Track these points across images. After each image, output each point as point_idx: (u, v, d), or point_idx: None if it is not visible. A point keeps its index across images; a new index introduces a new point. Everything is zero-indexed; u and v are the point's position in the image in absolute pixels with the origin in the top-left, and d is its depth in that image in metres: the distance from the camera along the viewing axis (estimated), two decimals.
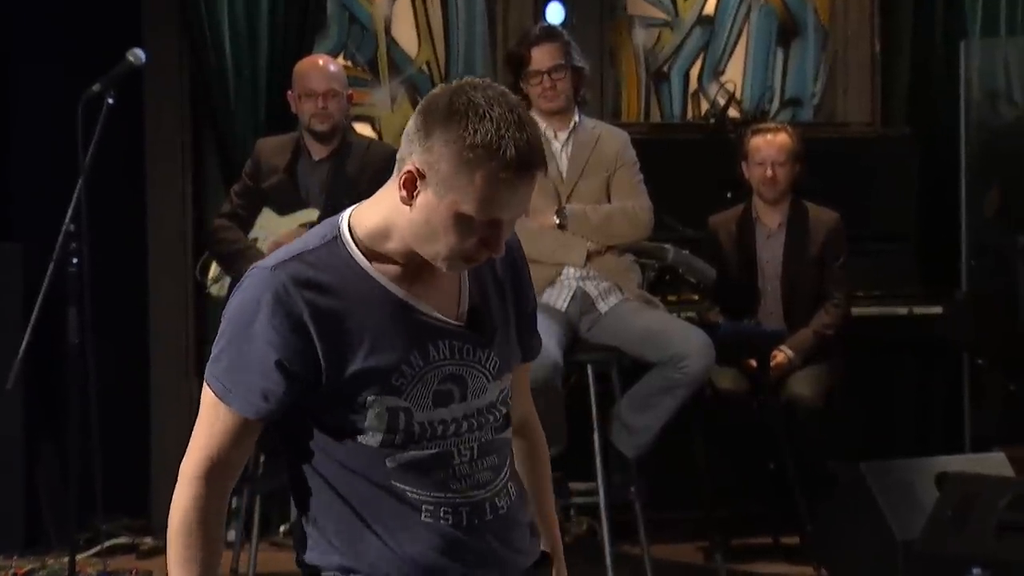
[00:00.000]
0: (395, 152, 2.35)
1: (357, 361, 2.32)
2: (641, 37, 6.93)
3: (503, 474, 2.45)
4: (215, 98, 6.25)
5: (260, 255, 4.93)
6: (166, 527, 2.38)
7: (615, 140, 5.32)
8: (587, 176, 5.24)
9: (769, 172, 5.73)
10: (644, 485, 5.11)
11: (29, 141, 6.15)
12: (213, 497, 2.36)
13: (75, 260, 4.99)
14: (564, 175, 5.24)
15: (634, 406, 5.08)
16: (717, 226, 5.90)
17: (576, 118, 5.29)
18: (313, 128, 5.38)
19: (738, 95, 6.79)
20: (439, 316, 2.38)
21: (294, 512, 2.46)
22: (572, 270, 5.17)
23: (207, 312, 6.19)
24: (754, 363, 5.64)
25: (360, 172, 5.17)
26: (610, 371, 5.09)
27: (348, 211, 2.41)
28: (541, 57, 5.20)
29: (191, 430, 2.39)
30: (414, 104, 6.01)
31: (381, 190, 2.39)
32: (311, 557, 2.43)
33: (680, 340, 5.03)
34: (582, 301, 5.16)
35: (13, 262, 5.87)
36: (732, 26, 6.93)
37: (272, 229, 5.32)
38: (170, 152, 6.40)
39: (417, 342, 2.35)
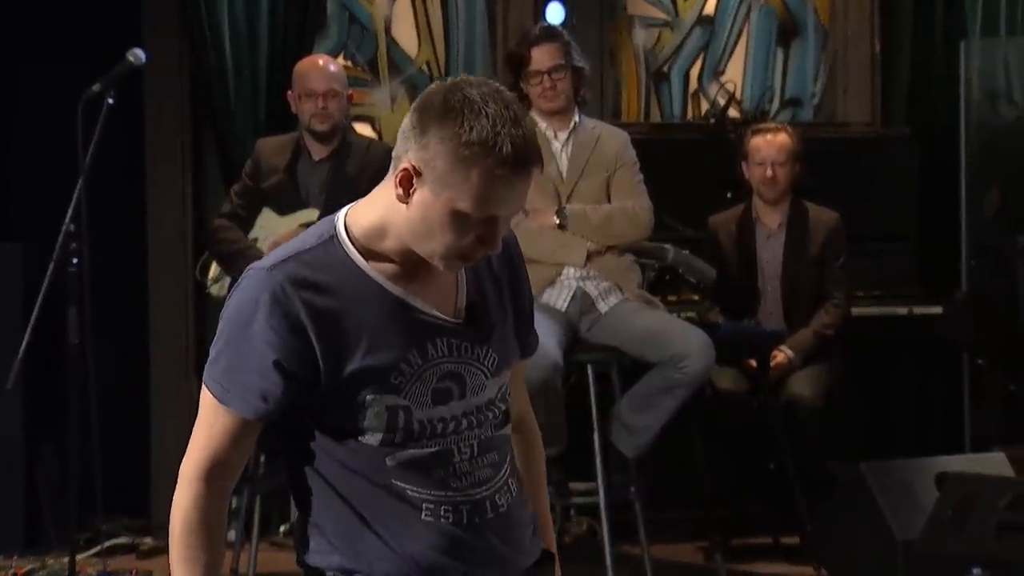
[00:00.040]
0: None
1: (355, 360, 2.32)
2: (641, 37, 6.93)
3: (503, 471, 2.45)
4: (215, 98, 6.25)
5: (260, 255, 4.92)
6: (166, 527, 2.38)
7: (615, 140, 5.32)
8: (587, 176, 5.24)
9: (769, 172, 5.73)
10: (644, 485, 5.11)
11: (29, 141, 6.15)
12: (214, 497, 2.36)
13: (75, 260, 4.99)
14: (564, 175, 5.24)
15: (634, 406, 5.08)
16: (717, 226, 5.90)
17: (576, 118, 5.29)
18: (313, 128, 5.38)
19: (738, 95, 6.79)
20: (437, 314, 2.38)
21: (294, 512, 2.46)
22: (572, 270, 5.17)
23: (207, 312, 6.19)
24: (754, 363, 5.64)
25: (360, 172, 5.17)
26: (610, 371, 5.09)
27: (344, 210, 2.41)
28: (541, 57, 5.20)
29: (191, 430, 2.39)
30: None
31: (377, 188, 2.39)
32: (312, 558, 2.43)
33: (680, 340, 5.03)
34: (582, 301, 5.16)
35: (13, 262, 5.87)
36: (732, 26, 6.93)
37: (272, 229, 5.32)
38: (170, 152, 6.40)
39: (415, 340, 2.35)
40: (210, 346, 2.38)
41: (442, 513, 2.38)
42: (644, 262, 5.37)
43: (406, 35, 6.82)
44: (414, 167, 2.28)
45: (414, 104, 2.31)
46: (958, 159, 6.27)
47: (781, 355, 5.63)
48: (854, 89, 6.82)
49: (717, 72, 6.93)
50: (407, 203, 2.30)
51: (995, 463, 5.03)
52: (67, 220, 4.97)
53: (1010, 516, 4.47)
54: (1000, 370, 6.13)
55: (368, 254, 2.36)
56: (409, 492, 2.37)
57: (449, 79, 2.32)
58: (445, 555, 2.38)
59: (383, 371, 2.33)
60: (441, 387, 2.37)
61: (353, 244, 2.36)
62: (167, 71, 6.30)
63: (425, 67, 6.80)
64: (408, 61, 6.82)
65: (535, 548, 2.53)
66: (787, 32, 6.97)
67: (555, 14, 6.34)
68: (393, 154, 2.33)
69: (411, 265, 2.36)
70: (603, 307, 5.16)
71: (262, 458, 5.21)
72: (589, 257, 5.17)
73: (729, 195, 6.02)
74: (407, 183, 2.29)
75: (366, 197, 2.40)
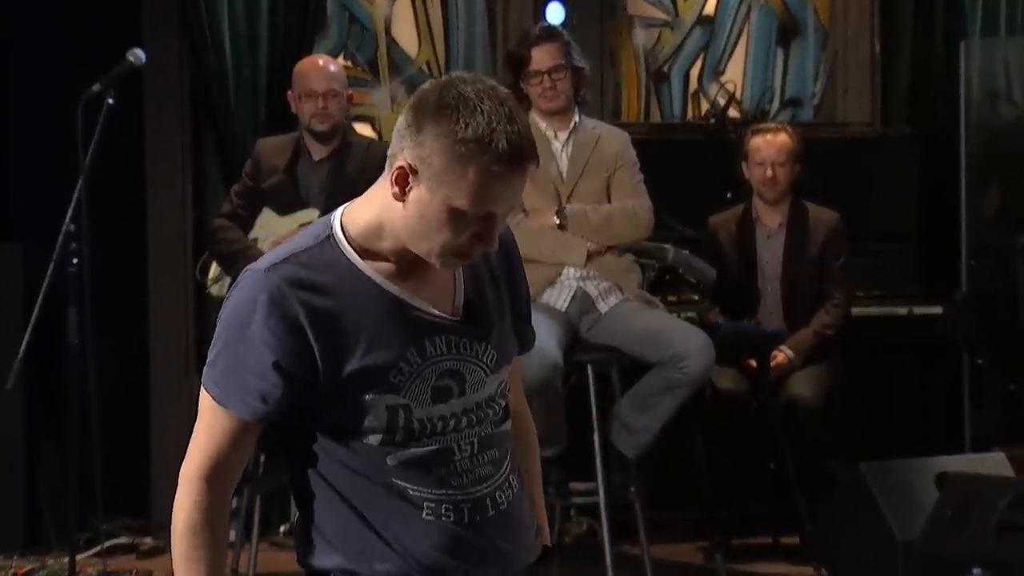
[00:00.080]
0: None
1: (354, 360, 2.32)
2: (641, 37, 6.93)
3: (504, 468, 2.45)
4: (215, 98, 6.25)
5: (260, 255, 4.90)
6: (166, 527, 2.38)
7: (615, 140, 5.32)
8: (587, 176, 5.24)
9: (769, 172, 5.73)
10: (644, 485, 5.11)
11: (29, 141, 6.15)
12: (215, 498, 2.36)
13: (75, 260, 4.99)
14: (564, 175, 5.24)
15: (634, 406, 5.08)
16: (717, 226, 5.91)
17: (576, 118, 5.29)
18: (313, 128, 5.38)
19: (738, 95, 6.79)
20: (435, 312, 2.38)
21: (294, 512, 2.46)
22: (572, 270, 5.17)
23: (207, 312, 6.19)
24: (754, 363, 5.64)
25: (360, 172, 5.16)
26: (610, 371, 5.09)
27: (340, 210, 2.41)
28: (541, 57, 5.20)
29: (191, 430, 2.39)
30: None
31: (372, 187, 2.38)
32: (313, 559, 2.43)
33: (680, 340, 5.03)
34: (582, 301, 5.16)
35: (13, 262, 5.87)
36: (732, 26, 6.94)
37: (272, 229, 5.32)
38: (170, 152, 6.40)
39: (414, 339, 2.35)
40: (208, 347, 2.38)
41: (443, 512, 2.38)
42: (644, 262, 5.37)
43: (406, 35, 6.82)
44: (410, 165, 2.28)
45: (409, 102, 2.31)
46: (958, 159, 6.27)
47: (781, 355, 5.63)
48: (854, 89, 6.82)
49: (717, 72, 6.94)
50: (403, 201, 2.30)
51: (995, 463, 5.03)
52: (67, 220, 4.97)
53: (1010, 516, 4.47)
54: (1000, 370, 6.13)
55: (365, 253, 2.36)
56: (410, 491, 2.37)
57: (444, 77, 2.32)
58: (446, 554, 2.38)
59: (382, 370, 2.33)
60: (441, 385, 2.37)
61: (350, 243, 2.36)
62: (167, 71, 6.30)
63: (425, 67, 6.80)
64: (408, 61, 6.82)
65: (537, 545, 2.53)
66: (787, 32, 6.97)
67: (555, 14, 6.34)
68: (388, 152, 2.32)
69: (408, 263, 2.36)
70: (603, 307, 5.16)
71: (262, 458, 5.21)
72: (589, 257, 5.17)
73: (729, 195, 6.02)
74: (403, 181, 2.29)
75: (362, 196, 2.40)
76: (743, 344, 5.63)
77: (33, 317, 4.95)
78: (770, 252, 5.82)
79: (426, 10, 6.81)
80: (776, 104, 6.93)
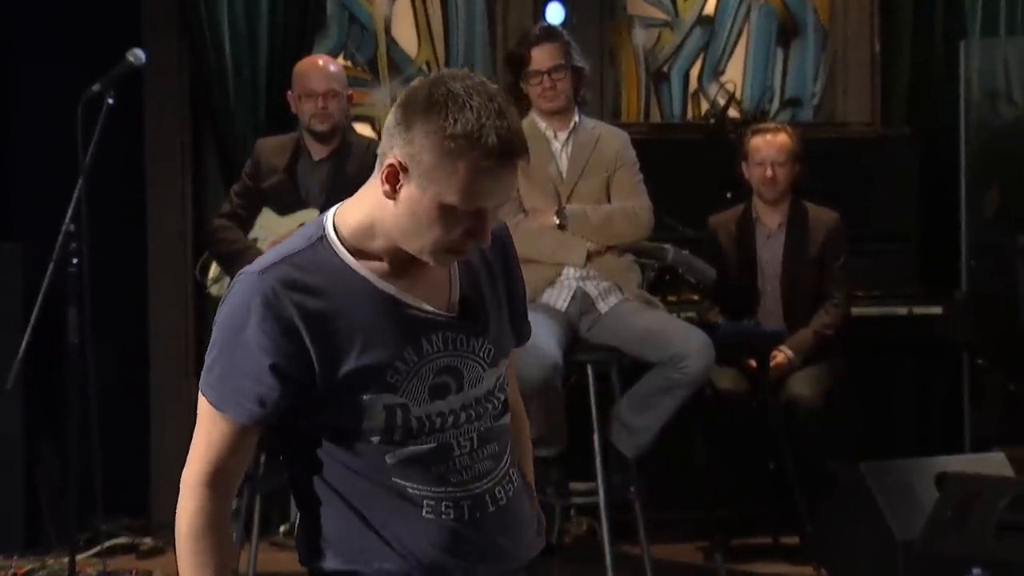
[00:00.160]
0: None
1: (350, 361, 2.32)
2: (641, 37, 6.93)
3: (504, 462, 2.45)
4: (215, 98, 6.25)
5: (260, 255, 4.92)
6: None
7: (615, 140, 5.32)
8: (587, 176, 5.24)
9: (769, 172, 5.73)
10: (644, 485, 5.11)
11: (29, 141, 6.15)
12: (217, 504, 2.36)
13: (75, 260, 4.99)
14: (564, 175, 5.24)
15: (634, 406, 5.08)
16: (717, 226, 5.91)
17: (576, 118, 5.29)
18: (313, 128, 5.39)
19: (738, 95, 6.79)
20: (430, 309, 2.38)
21: (294, 512, 2.47)
22: (572, 270, 5.17)
23: (207, 312, 6.19)
24: (754, 363, 5.64)
25: (360, 172, 5.16)
26: (610, 371, 5.09)
27: (332, 210, 2.41)
28: (541, 57, 5.20)
29: (191, 430, 2.39)
30: None
31: (363, 187, 2.38)
32: (314, 559, 2.43)
33: (680, 340, 5.03)
34: (582, 301, 5.16)
35: (13, 262, 5.87)
36: (732, 26, 6.93)
37: (272, 229, 5.32)
38: (170, 152, 6.40)
39: (410, 337, 2.35)
40: (207, 348, 2.38)
41: (443, 510, 2.38)
42: (644, 262, 5.37)
43: (406, 35, 6.82)
44: (400, 163, 2.28)
45: (398, 100, 2.31)
46: (958, 159, 6.27)
47: (781, 355, 5.63)
48: (854, 89, 6.82)
49: (717, 72, 6.94)
50: (394, 199, 2.30)
51: (995, 463, 5.03)
52: (67, 220, 4.97)
53: (1010, 516, 4.47)
54: (1000, 370, 6.13)
55: (358, 253, 2.36)
56: (410, 490, 2.37)
57: (432, 74, 2.32)
58: (446, 552, 2.38)
59: (379, 370, 2.33)
60: (438, 382, 2.37)
61: (342, 244, 2.36)
62: (167, 71, 6.30)
63: (425, 67, 6.80)
64: (408, 61, 6.82)
65: (538, 542, 2.53)
66: (787, 32, 6.97)
67: (555, 14, 6.34)
68: (378, 151, 2.33)
69: (402, 262, 2.36)
70: (603, 307, 5.16)
71: (262, 458, 5.20)
72: (589, 257, 5.17)
73: (729, 195, 6.02)
74: (393, 179, 2.29)
75: (353, 196, 2.40)
76: (743, 344, 5.63)
77: (33, 317, 4.95)
78: (770, 252, 5.82)
79: (426, 10, 6.81)
80: (776, 104, 6.93)
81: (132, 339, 6.28)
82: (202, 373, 2.37)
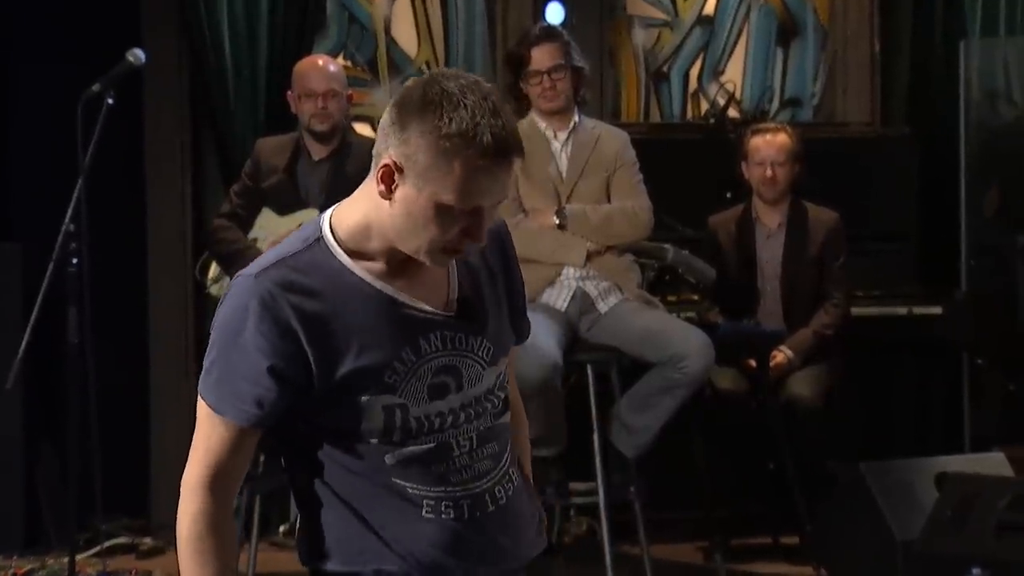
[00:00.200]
0: None
1: (348, 362, 2.31)
2: (641, 37, 6.93)
3: (503, 461, 2.45)
4: (215, 98, 6.26)
5: (260, 255, 4.92)
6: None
7: (615, 140, 5.32)
8: (587, 176, 5.24)
9: (769, 172, 5.73)
10: (644, 485, 5.11)
11: (29, 141, 6.15)
12: (218, 506, 2.35)
13: (75, 260, 4.99)
14: (564, 175, 5.24)
15: (634, 406, 5.08)
16: (717, 226, 5.91)
17: (576, 118, 5.29)
18: (313, 128, 5.39)
19: (738, 95, 6.79)
20: (428, 308, 2.37)
21: (294, 512, 2.47)
22: (572, 270, 5.17)
23: (207, 312, 6.18)
24: (754, 363, 5.64)
25: (360, 172, 5.09)
26: (609, 371, 5.09)
27: (329, 212, 2.41)
28: (541, 57, 5.20)
29: (191, 430, 2.39)
30: None
31: (359, 188, 2.39)
32: (314, 561, 2.43)
33: (680, 340, 5.03)
34: (582, 301, 5.16)
35: (13, 262, 5.87)
36: (732, 26, 6.93)
37: (272, 229, 5.32)
38: (170, 152, 6.40)
39: (408, 337, 2.35)
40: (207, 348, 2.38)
41: (443, 510, 2.38)
42: (644, 262, 5.37)
43: (406, 35, 6.83)
44: (395, 163, 2.28)
45: (392, 100, 2.31)
46: (958, 159, 6.27)
47: (781, 355, 5.63)
48: (853, 89, 6.82)
49: (717, 72, 6.94)
50: (390, 200, 2.30)
51: (994, 463, 5.03)
52: (67, 220, 4.97)
53: (1010, 516, 4.47)
54: (1000, 370, 6.13)
55: (355, 254, 2.35)
56: (409, 490, 2.37)
57: (426, 74, 2.32)
58: (446, 553, 2.38)
59: (377, 371, 2.32)
60: (437, 382, 2.36)
61: (339, 245, 2.36)
62: (167, 71, 6.31)
63: (425, 67, 6.79)
64: (408, 61, 6.82)
65: (539, 541, 2.52)
66: (787, 32, 6.97)
67: (555, 14, 6.34)
68: (373, 152, 2.33)
69: (399, 262, 2.36)
70: (603, 307, 5.16)
71: (262, 458, 5.20)
72: (589, 257, 5.17)
73: (729, 195, 6.02)
74: (389, 179, 2.29)
75: (349, 197, 2.40)
76: (743, 344, 5.63)
77: (33, 317, 4.95)
78: (770, 252, 5.82)
79: (426, 10, 6.81)
80: (776, 104, 6.93)
81: (132, 339, 6.28)
82: (201, 376, 2.37)
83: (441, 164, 2.24)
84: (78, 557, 5.20)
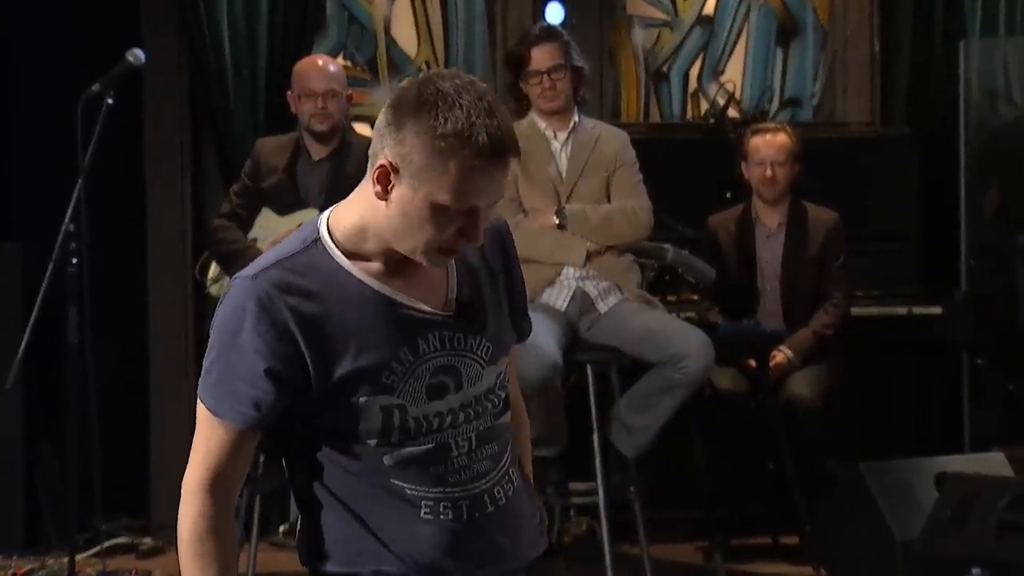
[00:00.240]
0: None
1: (345, 363, 2.31)
2: (640, 37, 6.93)
3: (503, 461, 2.44)
4: (214, 98, 6.26)
5: (259, 255, 4.92)
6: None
7: (615, 140, 5.32)
8: (586, 176, 5.24)
9: (768, 172, 5.73)
10: (644, 485, 5.11)
11: (29, 141, 6.15)
12: (219, 508, 2.35)
13: (75, 260, 4.99)
14: (564, 175, 5.24)
15: (633, 406, 5.08)
16: (716, 226, 5.91)
17: (576, 118, 5.29)
18: (313, 128, 5.39)
19: (737, 95, 6.79)
20: (426, 308, 2.37)
21: (293, 512, 2.47)
22: (572, 270, 5.17)
23: (207, 312, 6.19)
24: (753, 363, 5.64)
25: (359, 172, 5.06)
26: (609, 371, 5.09)
27: (326, 213, 2.41)
28: (541, 57, 5.20)
29: (191, 430, 2.39)
30: None
31: (356, 190, 2.39)
32: (313, 562, 2.43)
33: (679, 340, 5.03)
34: (581, 301, 5.16)
35: (13, 262, 5.87)
36: (731, 26, 6.94)
37: (271, 229, 5.32)
38: (170, 152, 6.40)
39: (405, 337, 2.34)
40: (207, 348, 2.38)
41: (441, 510, 2.37)
42: (644, 262, 5.37)
43: (405, 35, 6.83)
44: (391, 163, 2.28)
45: (388, 101, 2.30)
46: (957, 159, 6.26)
47: (780, 355, 5.63)
48: (853, 89, 6.82)
49: (716, 72, 6.94)
50: (386, 200, 2.30)
51: (994, 463, 5.03)
52: (67, 220, 4.97)
53: (1009, 516, 4.47)
54: (999, 370, 6.13)
55: (352, 255, 2.35)
56: (408, 491, 2.37)
57: (421, 74, 2.32)
58: (445, 554, 2.37)
59: (374, 371, 2.32)
60: (435, 382, 2.36)
61: (337, 246, 2.35)
62: (166, 71, 6.31)
63: (424, 67, 6.79)
64: (407, 61, 6.82)
65: (539, 541, 2.52)
66: (786, 32, 6.97)
67: (554, 14, 6.34)
68: (369, 152, 2.32)
69: (396, 262, 2.35)
70: (602, 307, 5.16)
71: (261, 458, 5.20)
72: (588, 257, 5.17)
73: (728, 195, 6.02)
74: (385, 180, 2.29)
75: (346, 199, 2.40)
76: (742, 344, 5.63)
77: (33, 317, 4.95)
78: (769, 252, 5.82)
79: (425, 10, 6.81)
80: (775, 104, 6.93)
81: (132, 339, 6.29)
82: (200, 377, 2.37)
83: (437, 164, 2.24)
84: (78, 557, 5.20)
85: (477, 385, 2.40)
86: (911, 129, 6.55)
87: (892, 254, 6.29)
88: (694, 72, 6.95)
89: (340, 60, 6.55)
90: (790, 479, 5.43)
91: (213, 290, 5.58)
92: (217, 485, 2.35)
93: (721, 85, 6.81)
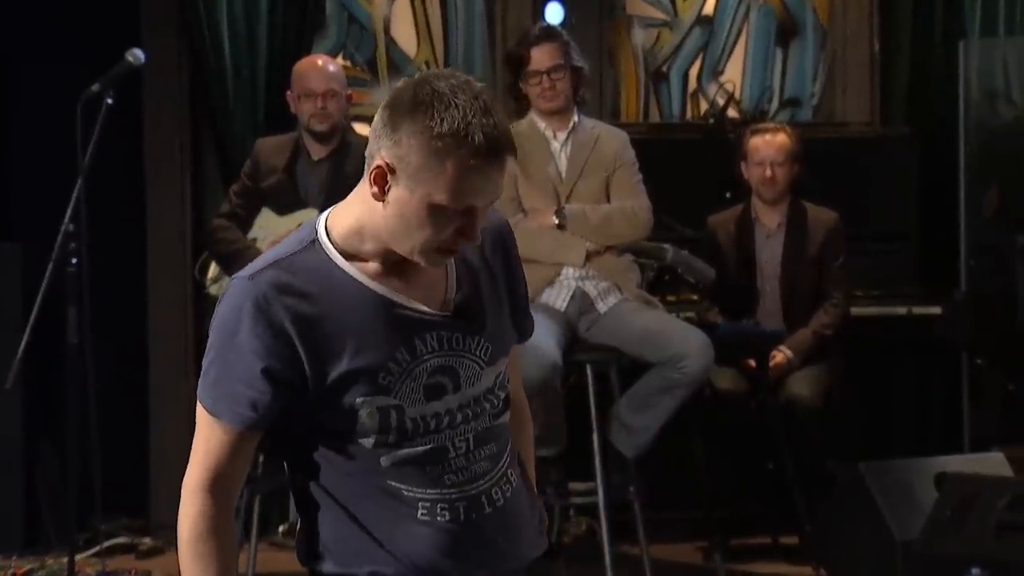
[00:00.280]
0: None
1: (343, 364, 2.31)
2: (640, 37, 6.93)
3: (502, 462, 2.44)
4: (214, 98, 6.26)
5: (259, 255, 4.92)
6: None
7: (614, 140, 5.32)
8: (586, 176, 5.24)
9: (768, 172, 5.73)
10: (643, 485, 5.11)
11: (29, 141, 6.16)
12: (219, 508, 2.36)
13: (74, 260, 4.99)
14: (563, 175, 5.24)
15: (633, 406, 5.08)
16: (716, 226, 5.91)
17: (575, 118, 5.29)
18: (312, 128, 5.39)
19: (737, 95, 6.79)
20: (424, 309, 2.37)
21: (293, 512, 2.47)
22: (571, 270, 5.17)
23: (206, 312, 6.18)
24: (753, 363, 5.64)
25: (359, 172, 5.10)
26: (609, 371, 5.09)
27: (325, 214, 2.41)
28: (540, 57, 5.20)
29: (190, 430, 2.39)
30: None
31: (354, 191, 2.38)
32: (311, 563, 2.43)
33: (679, 340, 5.03)
34: (581, 301, 5.16)
35: (13, 262, 5.88)
36: (731, 26, 6.94)
37: (271, 229, 5.32)
38: (169, 152, 6.40)
39: (402, 338, 2.34)
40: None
41: (438, 512, 2.37)
42: (643, 262, 5.37)
43: (405, 35, 6.83)
44: (387, 164, 2.28)
45: (384, 102, 2.30)
46: (957, 159, 6.27)
47: (780, 355, 5.63)
48: (853, 89, 6.82)
49: (716, 72, 6.94)
50: (383, 201, 2.30)
51: (994, 463, 5.03)
52: (66, 220, 4.97)
53: (1009, 516, 4.47)
54: (999, 370, 6.13)
55: (350, 256, 2.35)
56: (405, 492, 2.37)
57: (417, 75, 2.32)
58: (442, 555, 2.37)
59: (371, 372, 2.32)
60: (433, 383, 2.36)
61: (334, 247, 2.35)
62: (166, 71, 6.31)
63: (424, 67, 6.80)
64: (407, 61, 6.82)
65: (539, 542, 2.52)
66: (786, 32, 6.97)
67: (554, 14, 6.34)
68: (366, 154, 2.32)
69: (394, 263, 2.35)
70: (602, 307, 5.16)
71: (261, 458, 5.20)
72: (588, 257, 5.17)
73: (728, 195, 6.02)
74: (381, 181, 2.29)
75: (344, 200, 2.40)
76: (742, 344, 5.62)
77: (32, 317, 4.95)
78: (769, 252, 5.82)
79: (425, 10, 6.81)
80: (775, 104, 6.93)
81: (131, 339, 6.29)
82: (200, 378, 2.37)
83: (433, 164, 2.24)
84: (77, 557, 5.20)
85: (476, 386, 2.40)
86: (911, 129, 6.56)
87: (892, 254, 6.29)
88: (694, 72, 6.95)
89: (340, 60, 6.55)
90: (790, 479, 5.43)
91: (213, 290, 5.58)
92: (217, 485, 2.35)
93: (721, 85, 6.81)
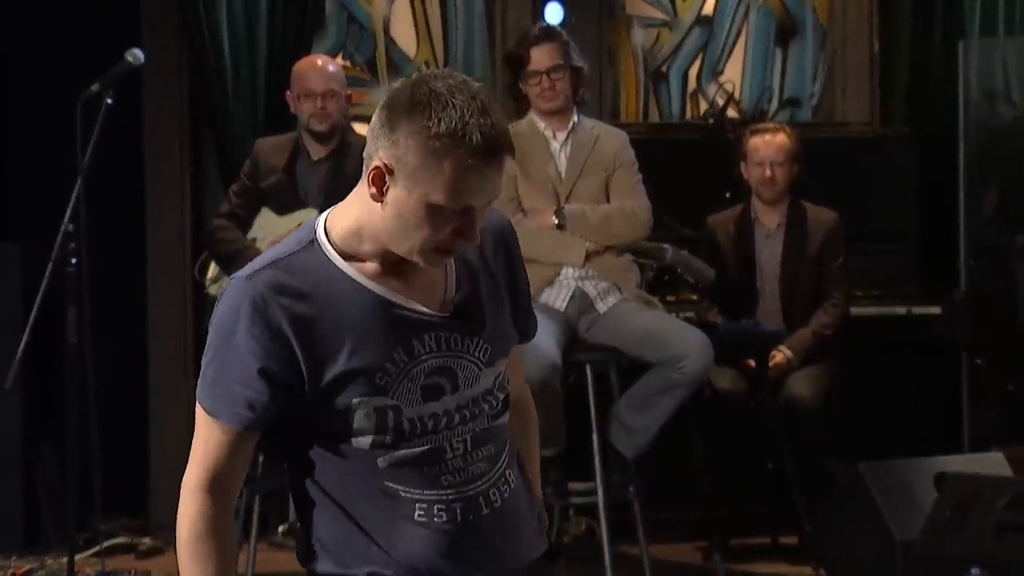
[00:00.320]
0: None
1: (339, 364, 2.31)
2: (640, 37, 6.93)
3: (500, 463, 2.44)
4: (214, 98, 6.26)
5: (258, 255, 4.92)
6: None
7: (614, 140, 5.32)
8: (586, 176, 5.24)
9: (768, 172, 5.73)
10: (643, 485, 5.11)
11: (29, 141, 6.16)
12: (218, 508, 2.36)
13: (74, 260, 4.99)
14: (563, 175, 5.24)
15: (633, 406, 5.08)
16: (716, 226, 5.91)
17: (575, 118, 5.29)
18: (312, 128, 5.39)
19: (737, 95, 6.79)
20: (422, 309, 2.37)
21: (293, 512, 2.47)
22: (571, 270, 5.17)
23: (206, 312, 6.18)
24: (753, 363, 5.64)
25: (359, 172, 5.11)
26: (609, 371, 5.09)
27: (324, 214, 2.41)
28: (540, 57, 5.20)
29: (190, 430, 2.39)
30: None
31: (353, 191, 2.38)
32: (310, 564, 2.43)
33: (679, 340, 5.03)
34: (581, 301, 5.16)
35: (12, 262, 5.88)
36: (731, 26, 6.94)
37: (271, 229, 5.32)
38: (169, 152, 6.40)
39: (400, 338, 2.34)
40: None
41: (435, 513, 2.37)
42: (643, 262, 5.37)
43: (405, 35, 6.83)
44: (385, 165, 2.27)
45: (381, 102, 2.30)
46: (957, 159, 6.26)
47: (780, 355, 5.64)
48: (853, 89, 6.82)
49: (716, 72, 6.94)
50: (381, 202, 2.30)
51: (993, 463, 5.03)
52: (66, 220, 4.97)
53: (1008, 516, 4.47)
54: (999, 370, 6.13)
55: (349, 256, 2.35)
56: (402, 493, 2.36)
57: (414, 75, 2.32)
58: (440, 556, 2.37)
59: (368, 372, 2.32)
60: (430, 383, 2.36)
61: (333, 247, 2.35)
62: (166, 71, 6.31)
63: (424, 67, 6.79)
64: (407, 61, 6.82)
65: (539, 542, 2.52)
66: (786, 32, 6.97)
67: (554, 14, 6.34)
68: (364, 155, 2.32)
69: (393, 263, 2.35)
70: (602, 307, 5.16)
71: (260, 458, 5.20)
72: (588, 257, 5.17)
73: (728, 195, 6.02)
74: (379, 181, 2.29)
75: (343, 201, 2.40)
76: (742, 344, 5.62)
77: (32, 317, 4.95)
78: (769, 252, 5.82)
79: (425, 10, 6.81)
80: (775, 104, 6.93)
81: (131, 339, 6.29)
82: (199, 378, 2.37)
83: (431, 164, 2.24)
84: (77, 557, 5.20)
85: (474, 387, 2.40)
86: (910, 129, 6.56)
87: (892, 254, 6.29)
88: (693, 72, 6.95)
89: (339, 60, 6.55)
90: (789, 479, 5.43)
91: (212, 290, 5.59)
92: (216, 485, 2.35)
93: (720, 85, 6.81)
